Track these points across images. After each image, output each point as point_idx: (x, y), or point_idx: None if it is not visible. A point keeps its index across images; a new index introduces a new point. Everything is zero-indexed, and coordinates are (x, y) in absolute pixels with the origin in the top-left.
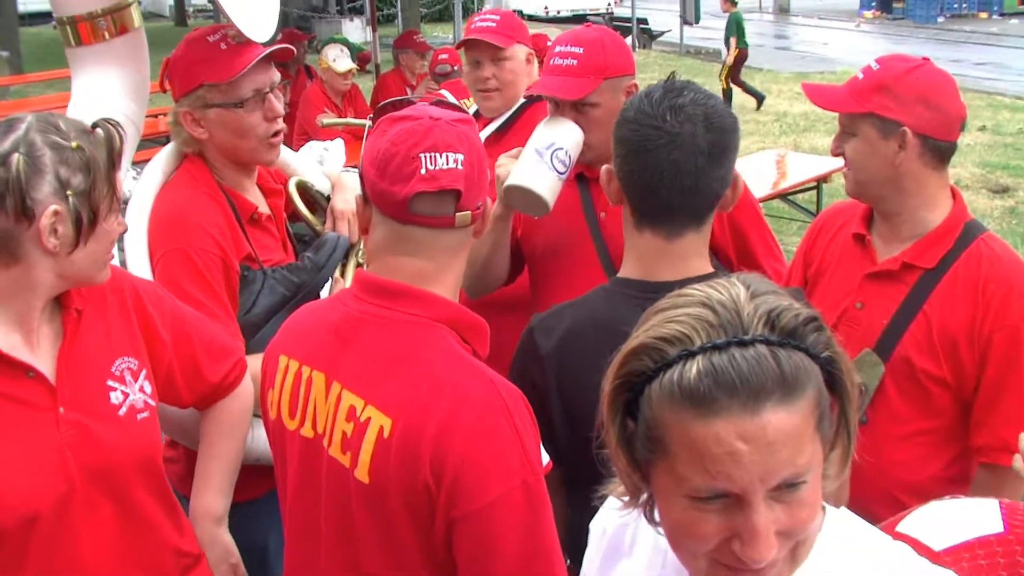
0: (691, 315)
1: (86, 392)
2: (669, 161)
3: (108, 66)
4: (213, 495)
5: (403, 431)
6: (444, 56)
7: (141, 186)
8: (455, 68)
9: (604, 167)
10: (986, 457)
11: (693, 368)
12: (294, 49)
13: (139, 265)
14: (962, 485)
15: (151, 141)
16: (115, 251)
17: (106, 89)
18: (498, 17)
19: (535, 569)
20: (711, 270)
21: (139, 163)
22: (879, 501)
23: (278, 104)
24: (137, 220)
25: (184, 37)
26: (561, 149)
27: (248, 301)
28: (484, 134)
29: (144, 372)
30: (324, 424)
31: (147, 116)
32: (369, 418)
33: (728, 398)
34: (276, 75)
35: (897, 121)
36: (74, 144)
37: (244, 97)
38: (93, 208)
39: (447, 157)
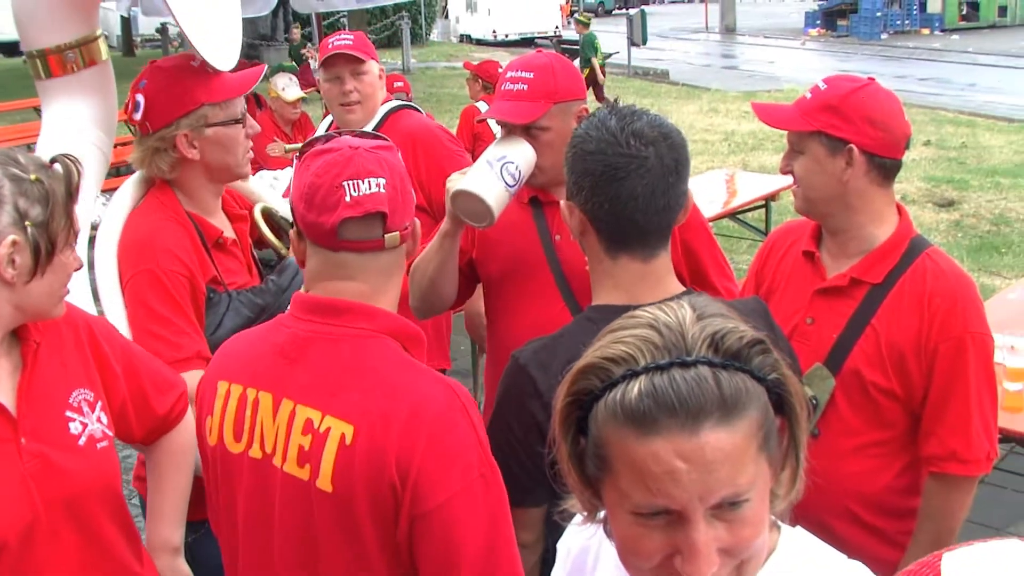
0: (637, 336)
1: (47, 423)
2: (643, 186)
3: (78, 96)
4: (168, 527)
5: (367, 436)
6: (399, 84)
7: (110, 212)
8: (409, 97)
9: (563, 202)
10: (935, 467)
11: (635, 388)
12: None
13: (109, 288)
14: (913, 495)
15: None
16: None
17: (76, 118)
18: (352, 37)
19: (497, 558)
20: (683, 288)
21: (107, 191)
22: (832, 512)
23: (253, 122)
24: (107, 245)
25: (150, 68)
26: (512, 163)
27: (213, 322)
28: None
29: (100, 404)
30: (273, 443)
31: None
32: (329, 428)
33: (668, 418)
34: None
35: (844, 139)
36: (33, 177)
37: (239, 114)
38: (51, 239)
39: (369, 182)
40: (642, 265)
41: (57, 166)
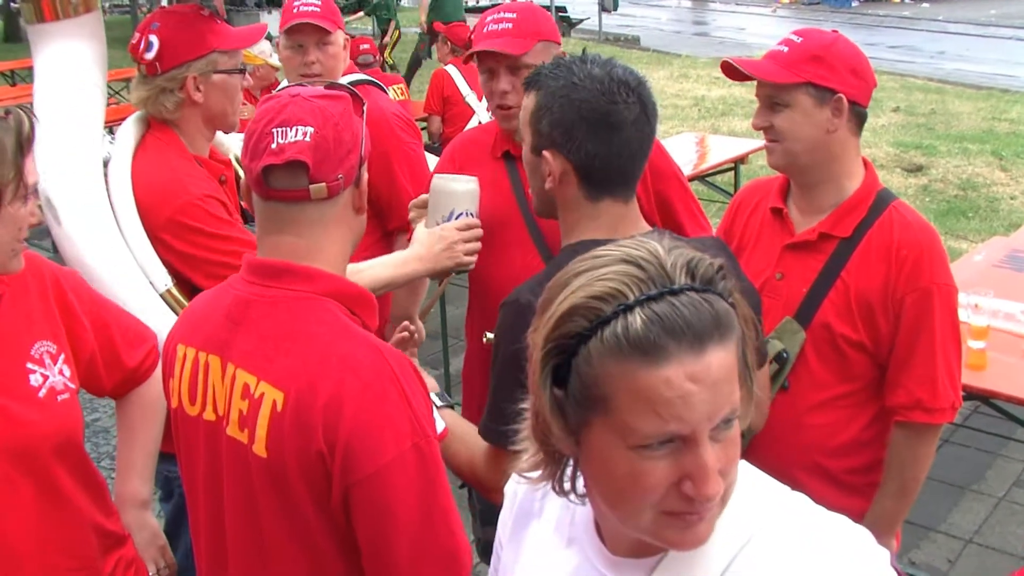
0: (618, 272)
1: (5, 374)
2: (634, 132)
3: (78, 40)
4: (137, 480)
5: (295, 403)
6: (365, 47)
7: (117, 149)
8: (376, 58)
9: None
10: (901, 416)
11: (636, 319)
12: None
13: (132, 226)
14: (879, 447)
15: None
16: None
17: (80, 61)
18: (320, 3)
19: (433, 530)
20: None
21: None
22: (801, 466)
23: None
24: (121, 183)
25: (160, 12)
26: (460, 214)
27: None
28: None
29: (63, 356)
30: (224, 406)
31: None
32: (263, 394)
33: (675, 343)
34: None
35: (832, 89)
36: None
37: (243, 65)
38: None
39: (297, 130)
40: (623, 207)
41: (10, 118)
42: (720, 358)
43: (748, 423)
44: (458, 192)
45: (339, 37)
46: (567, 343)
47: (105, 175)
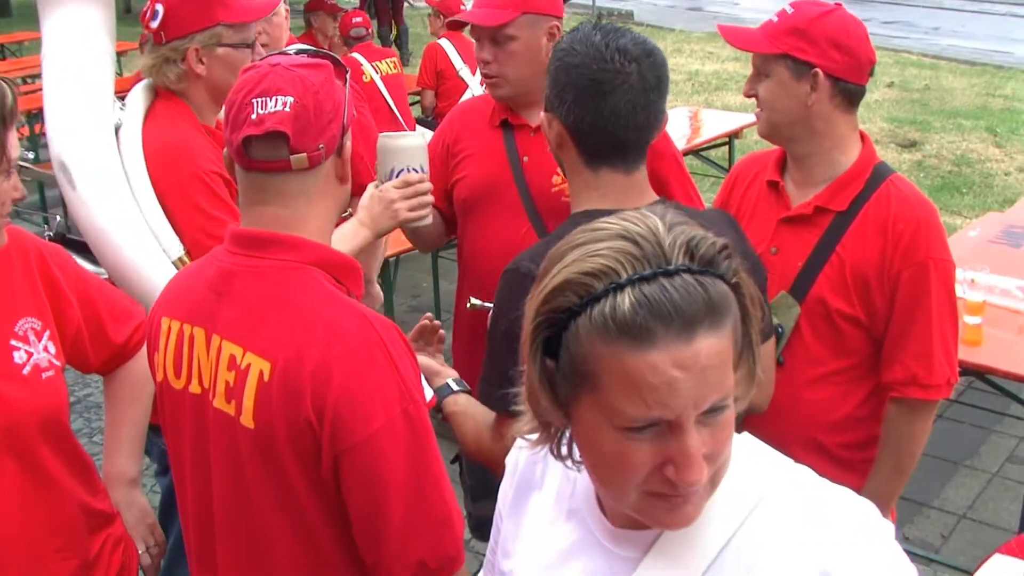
0: (613, 248)
1: None
2: (625, 102)
3: (87, 6)
4: (125, 458)
5: (282, 372)
6: (358, 20)
7: (128, 116)
8: (368, 31)
9: (543, 114)
10: (896, 392)
11: (625, 301)
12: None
13: (144, 192)
14: (875, 423)
15: None
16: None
17: (88, 26)
18: None
19: (425, 497)
20: (658, 197)
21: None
22: (795, 441)
23: (263, 51)
24: (132, 150)
25: None
26: (403, 170)
27: None
28: None
29: (48, 333)
30: (209, 378)
31: None
32: (249, 364)
33: (663, 328)
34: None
35: (809, 63)
36: None
37: (251, 40)
38: None
39: (276, 100)
40: (624, 176)
41: None
42: (710, 344)
43: (747, 404)
44: (399, 148)
45: (282, 8)
46: (557, 317)
47: (117, 141)
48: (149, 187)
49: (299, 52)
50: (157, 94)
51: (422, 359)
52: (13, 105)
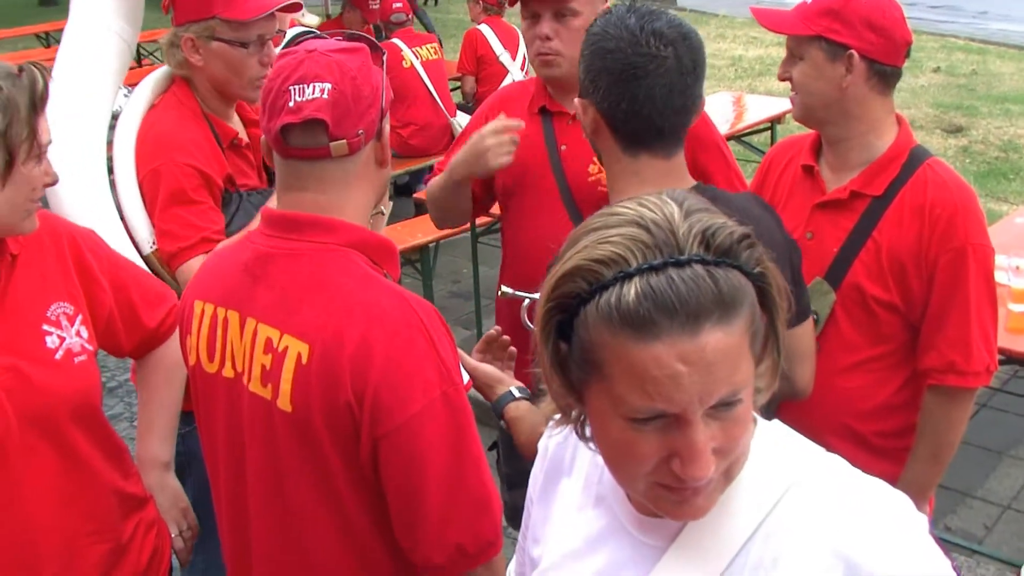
0: (625, 235)
1: (21, 336)
2: (660, 86)
3: None
4: (158, 442)
5: (321, 355)
6: (398, 4)
7: (130, 105)
8: (408, 16)
9: (577, 100)
10: (934, 379)
11: (631, 291)
12: (302, 3)
13: (127, 182)
14: (911, 411)
15: None
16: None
17: (101, 9)
18: None
19: (464, 479)
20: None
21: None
22: (830, 429)
23: (274, 52)
24: (124, 139)
25: None
26: None
27: (224, 220)
28: None
29: (80, 317)
30: (243, 362)
31: None
32: (287, 347)
33: (668, 320)
34: (277, 24)
35: (844, 44)
36: None
37: (250, 40)
38: (9, 150)
39: (314, 87)
40: (664, 162)
41: (24, 76)
42: (718, 339)
43: (771, 393)
44: None
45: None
46: (568, 303)
47: (113, 128)
48: (132, 177)
49: (336, 36)
50: (173, 81)
51: (486, 366)
52: (44, 90)
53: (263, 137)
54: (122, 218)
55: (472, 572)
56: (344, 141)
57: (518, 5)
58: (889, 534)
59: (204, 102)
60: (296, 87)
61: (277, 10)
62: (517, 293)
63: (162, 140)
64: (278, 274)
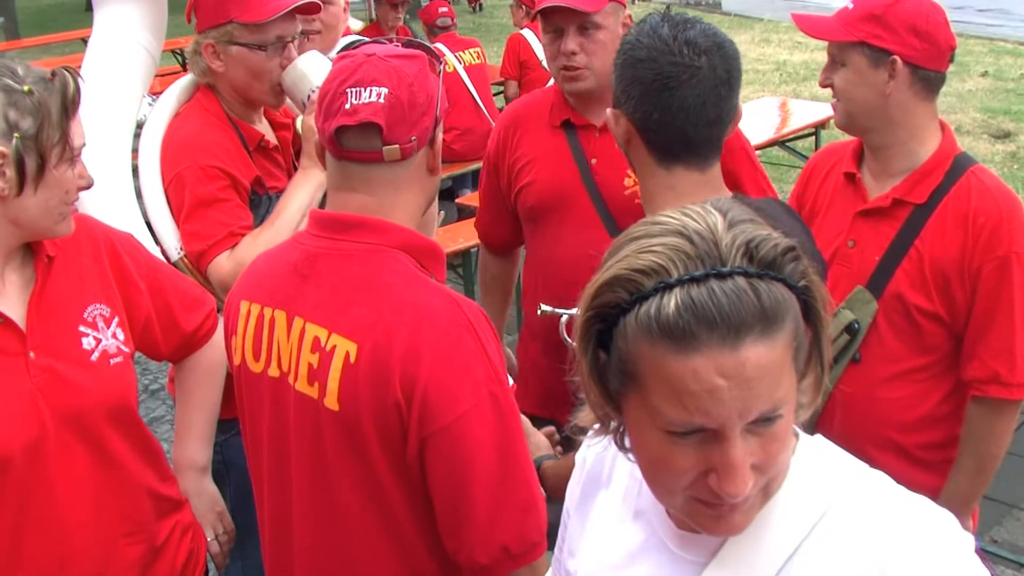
0: (667, 245)
1: (57, 337)
2: (694, 96)
3: (131, 3)
4: (195, 445)
5: (370, 354)
6: (443, 9)
7: (155, 113)
8: (453, 21)
9: (609, 110)
10: (977, 390)
11: (671, 302)
12: (321, 3)
13: (152, 188)
14: (955, 422)
15: None
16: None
17: (127, 20)
18: None
19: (510, 480)
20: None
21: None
22: (874, 442)
23: (296, 55)
24: (149, 146)
25: None
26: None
27: (254, 223)
28: None
29: (117, 319)
30: (289, 361)
31: None
32: (335, 346)
33: (707, 333)
34: (298, 26)
35: (887, 50)
36: (26, 88)
37: (268, 42)
38: (41, 153)
39: (370, 91)
40: (699, 175)
41: (56, 80)
42: (759, 353)
43: (813, 409)
44: (305, 73)
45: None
46: (608, 312)
47: (138, 137)
48: (158, 185)
49: (395, 42)
50: (198, 88)
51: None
52: (76, 94)
53: (315, 137)
54: (149, 226)
55: (516, 573)
56: (397, 146)
57: None
58: (933, 556)
59: (229, 108)
60: (353, 90)
61: (294, 9)
62: (556, 310)
63: (186, 144)
64: (327, 274)
